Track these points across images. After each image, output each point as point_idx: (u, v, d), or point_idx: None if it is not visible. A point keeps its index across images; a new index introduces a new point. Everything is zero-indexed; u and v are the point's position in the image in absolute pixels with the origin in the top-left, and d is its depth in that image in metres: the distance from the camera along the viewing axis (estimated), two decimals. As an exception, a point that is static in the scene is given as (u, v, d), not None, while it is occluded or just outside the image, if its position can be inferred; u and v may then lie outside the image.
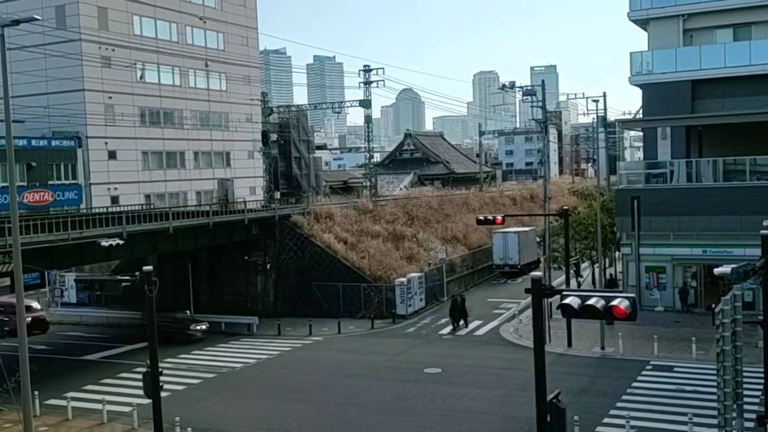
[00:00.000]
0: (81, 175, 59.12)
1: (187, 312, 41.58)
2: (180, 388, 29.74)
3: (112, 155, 61.43)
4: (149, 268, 18.90)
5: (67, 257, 34.42)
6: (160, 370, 19.30)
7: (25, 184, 54.32)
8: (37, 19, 24.00)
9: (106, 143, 60.68)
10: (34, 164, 55.03)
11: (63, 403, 27.04)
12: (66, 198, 57.29)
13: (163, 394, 19.90)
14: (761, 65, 38.87)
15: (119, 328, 43.86)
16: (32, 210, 51.04)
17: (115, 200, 59.23)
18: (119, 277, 49.43)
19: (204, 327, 39.97)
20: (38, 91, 58.74)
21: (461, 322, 39.80)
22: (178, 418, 23.94)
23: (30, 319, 41.30)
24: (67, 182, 58.16)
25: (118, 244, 32.32)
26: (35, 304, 43.99)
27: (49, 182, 56.61)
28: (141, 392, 20.51)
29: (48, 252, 32.02)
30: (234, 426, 25.41)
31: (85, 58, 58.07)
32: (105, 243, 31.56)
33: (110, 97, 60.74)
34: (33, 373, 21.06)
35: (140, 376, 19.99)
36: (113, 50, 60.66)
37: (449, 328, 39.62)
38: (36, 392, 24.40)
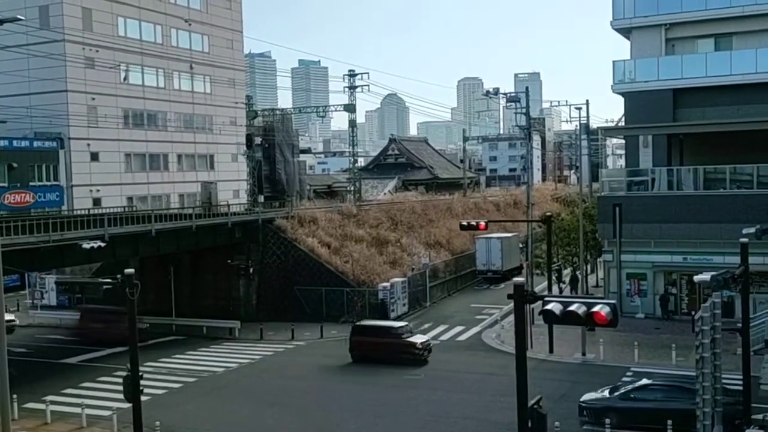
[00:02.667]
0: (63, 177, 58.67)
1: (406, 323, 35.97)
2: (160, 392, 29.55)
3: (94, 157, 61.01)
4: (131, 270, 18.78)
5: (48, 259, 34.17)
6: (140, 373, 19.17)
7: (6, 185, 53.86)
8: (21, 19, 23.89)
9: (88, 144, 60.26)
10: (15, 165, 54.57)
11: (41, 407, 26.78)
12: (47, 199, 56.86)
13: (143, 398, 19.77)
14: (742, 75, 39.31)
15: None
16: (13, 211, 50.60)
17: (97, 202, 58.78)
18: (100, 280, 49.07)
19: (430, 342, 34.49)
20: (20, 92, 58.25)
21: None
22: (158, 423, 23.79)
23: None
24: (48, 183, 57.72)
25: (99, 247, 32.05)
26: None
27: (31, 183, 56.16)
28: (121, 396, 20.35)
29: (28, 254, 31.77)
30: (215, 430, 25.31)
31: (68, 58, 57.66)
32: (86, 245, 31.30)
33: (93, 99, 60.34)
34: (11, 376, 20.88)
35: (120, 380, 19.86)
36: (97, 51, 60.29)
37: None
38: (14, 396, 24.16)
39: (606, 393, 24.81)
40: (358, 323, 35.84)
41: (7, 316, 43.84)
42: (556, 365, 32.23)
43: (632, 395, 23.71)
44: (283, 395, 29.12)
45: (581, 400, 24.82)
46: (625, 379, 29.41)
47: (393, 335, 33.63)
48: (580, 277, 48.33)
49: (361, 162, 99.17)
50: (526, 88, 50.17)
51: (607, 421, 22.78)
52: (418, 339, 33.74)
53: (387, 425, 25.24)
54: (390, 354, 32.83)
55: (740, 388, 20.85)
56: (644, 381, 24.53)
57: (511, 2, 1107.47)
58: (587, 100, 57.18)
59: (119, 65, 62.91)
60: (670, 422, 22.01)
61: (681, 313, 39.32)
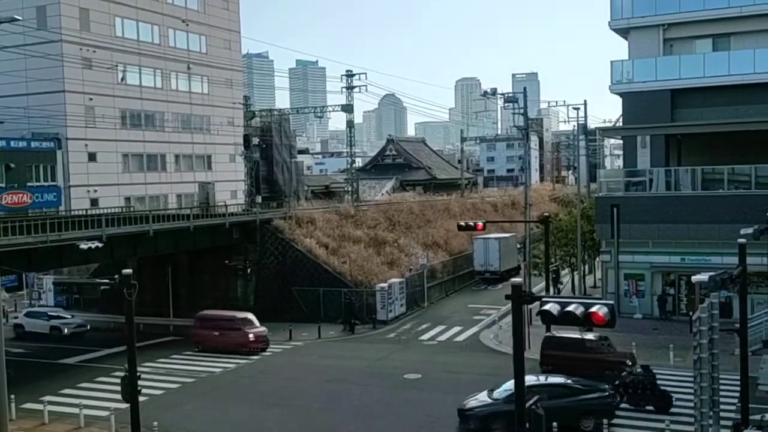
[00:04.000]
0: (60, 177, 58.62)
1: (605, 336, 29.76)
2: (158, 392, 29.53)
3: (92, 157, 60.97)
4: (128, 271, 18.76)
5: (46, 260, 34.13)
6: (138, 374, 19.15)
7: (3, 185, 53.77)
8: (18, 20, 23.87)
9: (86, 145, 60.21)
10: (12, 165, 54.42)
11: (39, 407, 26.77)
12: (45, 200, 56.77)
13: (141, 398, 19.74)
14: (740, 75, 39.35)
15: (97, 331, 43.47)
16: (10, 212, 50.51)
17: (94, 203, 58.73)
18: (98, 281, 48.97)
19: (634, 353, 30.10)
20: (18, 92, 58.19)
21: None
22: (156, 423, 23.77)
23: (253, 336, 36.67)
24: (46, 184, 57.65)
25: (97, 247, 31.92)
26: (254, 319, 37.80)
27: (28, 184, 56.07)
28: (119, 396, 20.35)
29: (26, 254, 31.73)
30: (213, 431, 25.27)
31: (65, 59, 57.61)
32: (84, 246, 31.17)
33: (91, 99, 60.29)
34: (9, 376, 20.87)
35: (118, 381, 19.85)
36: (94, 51, 60.24)
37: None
38: (12, 396, 24.13)
39: (486, 397, 24.14)
40: (549, 334, 31.12)
41: (78, 320, 42.53)
42: (554, 366, 32.17)
43: None
44: (282, 396, 29.09)
45: (461, 407, 24.17)
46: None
47: (594, 350, 29.32)
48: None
49: (359, 162, 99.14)
50: (524, 88, 50.14)
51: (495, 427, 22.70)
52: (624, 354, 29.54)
53: (385, 426, 25.22)
54: (594, 371, 27.60)
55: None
56: (529, 381, 23.54)
57: (509, 2, 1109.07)
58: (585, 101, 57.19)
59: (117, 66, 62.87)
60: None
61: (679, 313, 39.34)
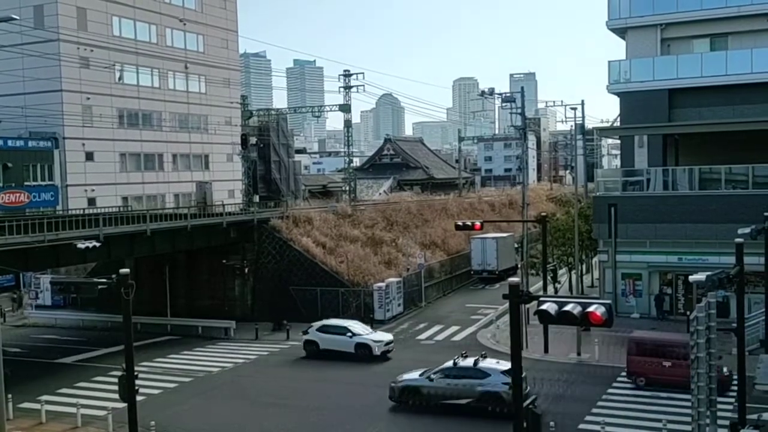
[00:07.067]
0: (57, 177, 58.50)
1: None
2: (156, 392, 29.53)
3: (89, 156, 60.86)
4: (126, 270, 18.72)
5: (43, 259, 34.09)
6: (135, 373, 19.12)
7: (0, 184, 53.67)
8: (15, 19, 23.86)
9: (83, 144, 60.11)
10: (9, 165, 54.38)
11: (37, 406, 26.78)
12: (42, 199, 56.66)
13: (138, 398, 19.72)
14: (737, 75, 39.41)
15: (95, 331, 43.46)
16: (7, 211, 50.44)
17: (92, 202, 58.64)
18: (95, 280, 48.70)
19: None
20: (15, 91, 58.03)
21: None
22: (153, 423, 23.77)
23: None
24: (43, 183, 57.52)
25: (94, 247, 31.94)
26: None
27: (25, 183, 55.93)
28: (116, 396, 20.31)
29: (23, 253, 31.70)
30: (210, 431, 25.26)
31: (63, 58, 57.50)
32: (81, 245, 31.20)
33: (88, 98, 60.18)
34: (7, 376, 20.84)
35: (115, 380, 19.82)
36: (92, 51, 60.14)
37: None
38: (9, 395, 24.12)
39: None
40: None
41: (385, 335, 35.84)
42: (551, 365, 32.25)
43: None
44: (279, 395, 29.10)
45: None
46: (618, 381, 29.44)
47: None
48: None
49: (357, 162, 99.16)
50: (522, 88, 50.12)
51: None
52: None
53: (384, 425, 25.22)
54: None
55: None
56: None
57: (506, 2, 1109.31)
58: (582, 101, 57.20)
59: (114, 65, 62.78)
60: None
61: (676, 313, 39.36)
